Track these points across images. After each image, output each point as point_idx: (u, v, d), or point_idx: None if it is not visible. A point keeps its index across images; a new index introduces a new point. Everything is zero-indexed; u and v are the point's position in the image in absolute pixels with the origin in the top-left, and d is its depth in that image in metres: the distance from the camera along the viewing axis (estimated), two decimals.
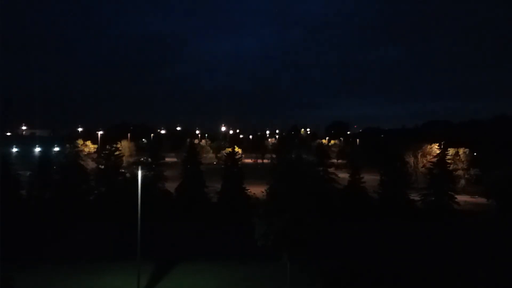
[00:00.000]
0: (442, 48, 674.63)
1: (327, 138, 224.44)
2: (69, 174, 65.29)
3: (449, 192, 67.70)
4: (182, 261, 41.29)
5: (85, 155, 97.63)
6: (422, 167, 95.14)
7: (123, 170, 69.43)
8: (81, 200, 62.59)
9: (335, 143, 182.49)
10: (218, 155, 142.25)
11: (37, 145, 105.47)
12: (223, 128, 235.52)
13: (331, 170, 72.63)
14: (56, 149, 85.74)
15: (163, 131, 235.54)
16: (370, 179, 72.54)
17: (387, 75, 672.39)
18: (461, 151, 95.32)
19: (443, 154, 74.58)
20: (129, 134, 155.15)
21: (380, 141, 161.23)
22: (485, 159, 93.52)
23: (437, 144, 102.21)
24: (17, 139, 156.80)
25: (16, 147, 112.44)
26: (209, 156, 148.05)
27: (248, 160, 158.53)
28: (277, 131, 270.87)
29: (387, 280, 37.35)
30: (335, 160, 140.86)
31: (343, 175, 73.77)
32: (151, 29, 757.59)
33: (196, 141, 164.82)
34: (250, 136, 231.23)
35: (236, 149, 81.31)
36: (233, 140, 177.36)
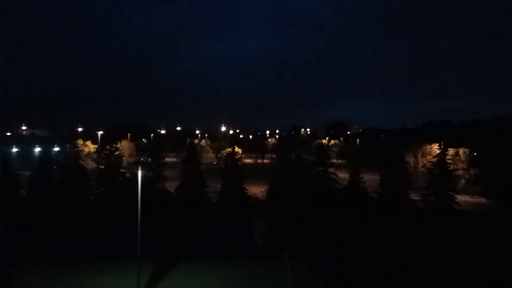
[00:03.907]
0: (442, 48, 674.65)
1: (327, 138, 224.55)
2: (69, 174, 65.27)
3: (449, 192, 67.73)
4: (182, 261, 41.30)
5: (85, 155, 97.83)
6: (422, 167, 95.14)
7: (123, 170, 69.43)
8: (81, 200, 62.57)
9: (335, 143, 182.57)
10: (218, 155, 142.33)
11: (37, 145, 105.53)
12: (223, 128, 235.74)
13: (331, 170, 72.73)
14: (56, 149, 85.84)
15: (163, 131, 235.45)
16: (370, 179, 72.60)
17: (387, 75, 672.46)
18: (461, 151, 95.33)
19: (443, 154, 74.57)
20: (129, 134, 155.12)
21: (380, 141, 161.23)
22: (485, 159, 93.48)
23: (437, 144, 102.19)
24: (17, 139, 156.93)
25: (16, 147, 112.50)
26: (209, 156, 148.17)
27: (248, 160, 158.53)
28: (277, 131, 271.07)
29: (387, 280, 37.36)
30: (335, 160, 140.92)
31: (343, 175, 73.84)
32: (151, 29, 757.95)
33: (196, 141, 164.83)
34: (250, 136, 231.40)
35: (236, 149, 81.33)
36: (233, 140, 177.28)
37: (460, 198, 73.55)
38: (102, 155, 72.09)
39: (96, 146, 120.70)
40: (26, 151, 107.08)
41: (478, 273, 35.18)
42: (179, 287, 35.31)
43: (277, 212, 32.31)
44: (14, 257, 39.40)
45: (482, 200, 78.23)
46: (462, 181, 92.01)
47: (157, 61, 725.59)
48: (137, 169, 41.85)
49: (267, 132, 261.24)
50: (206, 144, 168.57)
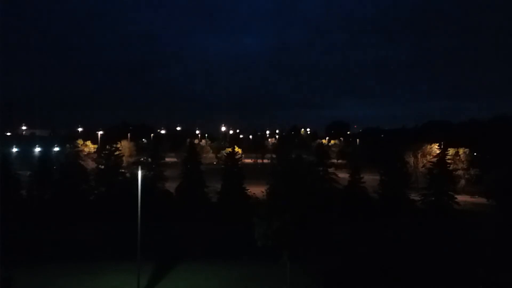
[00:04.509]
0: (442, 48, 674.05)
1: (327, 138, 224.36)
2: (69, 174, 65.26)
3: (449, 192, 67.61)
4: (182, 261, 41.33)
5: (85, 155, 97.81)
6: (422, 167, 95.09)
7: (123, 170, 69.43)
8: (81, 200, 62.59)
9: (335, 143, 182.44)
10: (218, 155, 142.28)
11: (37, 145, 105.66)
12: (223, 128, 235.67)
13: (331, 170, 72.60)
14: (56, 149, 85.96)
15: (163, 131, 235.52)
16: (370, 179, 72.51)
17: (387, 75, 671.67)
18: (461, 151, 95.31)
19: (443, 154, 74.53)
20: (129, 134, 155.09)
21: (380, 141, 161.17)
22: (485, 159, 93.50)
23: (437, 144, 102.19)
24: (17, 139, 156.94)
25: (16, 147, 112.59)
26: (209, 156, 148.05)
27: (248, 160, 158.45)
28: (277, 131, 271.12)
29: (387, 280, 37.38)
30: (335, 160, 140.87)
31: (343, 175, 73.74)
32: (151, 29, 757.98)
33: (196, 141, 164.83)
34: (250, 136, 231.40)
35: (236, 149, 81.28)
36: (233, 140, 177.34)
37: (460, 198, 73.53)
38: (102, 155, 72.07)
39: (96, 146, 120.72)
40: (26, 151, 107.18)
41: (478, 273, 35.15)
42: (179, 287, 35.32)
43: (277, 212, 32.35)
44: (14, 257, 39.39)
45: (482, 200, 78.23)
46: (462, 181, 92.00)
47: (157, 61, 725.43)
48: (137, 169, 41.88)
49: (267, 132, 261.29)
50: (206, 144, 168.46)
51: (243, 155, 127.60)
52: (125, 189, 61.10)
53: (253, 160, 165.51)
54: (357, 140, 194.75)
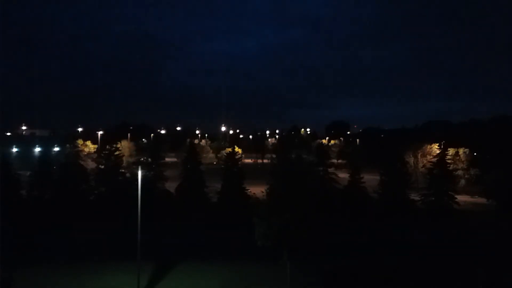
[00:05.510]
0: (442, 48, 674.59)
1: (327, 138, 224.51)
2: (69, 174, 65.18)
3: (449, 192, 67.58)
4: (182, 261, 41.32)
5: (85, 155, 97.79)
6: (422, 167, 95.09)
7: (123, 170, 69.35)
8: (81, 200, 62.52)
9: (335, 143, 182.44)
10: (218, 155, 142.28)
11: (37, 145, 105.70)
12: (223, 128, 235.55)
13: (331, 170, 72.55)
14: (56, 149, 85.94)
15: (163, 131, 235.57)
16: (370, 179, 72.47)
17: (387, 74, 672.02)
18: (461, 151, 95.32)
19: (443, 154, 74.48)
20: (129, 134, 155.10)
21: (380, 141, 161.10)
22: (485, 159, 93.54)
23: (437, 144, 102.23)
24: (17, 139, 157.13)
25: (16, 147, 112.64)
26: (209, 156, 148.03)
27: (248, 160, 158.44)
28: (277, 131, 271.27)
29: (387, 280, 37.38)
30: (335, 160, 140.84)
31: (343, 175, 73.71)
32: (151, 29, 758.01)
33: (196, 141, 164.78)
34: (250, 136, 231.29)
35: (236, 149, 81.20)
36: (233, 140, 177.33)
37: (460, 198, 73.46)
38: (102, 155, 71.96)
39: (96, 146, 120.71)
40: (26, 151, 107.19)
41: (478, 273, 35.19)
42: (179, 287, 35.31)
43: (277, 212, 32.35)
44: (14, 257, 39.39)
45: (482, 200, 78.21)
46: (462, 181, 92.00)
47: (157, 61, 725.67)
48: (137, 169, 41.89)
49: (267, 132, 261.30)
50: (206, 144, 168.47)
51: (243, 155, 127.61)
52: (125, 189, 61.04)
53: (253, 160, 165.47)
54: (357, 140, 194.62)
